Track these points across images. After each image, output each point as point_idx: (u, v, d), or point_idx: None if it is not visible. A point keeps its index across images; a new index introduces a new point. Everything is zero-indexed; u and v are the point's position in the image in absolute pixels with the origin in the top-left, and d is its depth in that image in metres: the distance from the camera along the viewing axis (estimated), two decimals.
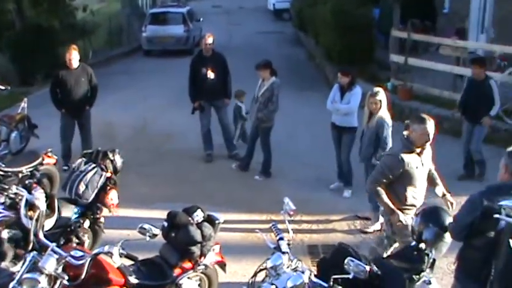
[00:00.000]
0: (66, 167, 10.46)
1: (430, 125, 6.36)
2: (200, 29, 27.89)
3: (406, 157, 6.44)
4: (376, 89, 8.75)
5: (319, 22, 20.79)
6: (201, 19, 29.84)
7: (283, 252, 5.15)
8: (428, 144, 6.57)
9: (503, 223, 4.82)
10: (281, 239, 5.28)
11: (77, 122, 11.27)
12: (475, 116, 10.70)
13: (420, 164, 6.55)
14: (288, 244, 5.26)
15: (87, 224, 7.44)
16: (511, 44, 14.67)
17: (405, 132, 6.61)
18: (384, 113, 8.67)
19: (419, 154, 6.52)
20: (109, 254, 5.08)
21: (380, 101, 8.56)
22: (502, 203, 4.73)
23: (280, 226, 5.66)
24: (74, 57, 10.88)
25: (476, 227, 5.02)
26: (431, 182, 6.90)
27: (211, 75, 11.36)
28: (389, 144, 8.63)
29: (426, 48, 19.09)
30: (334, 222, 9.24)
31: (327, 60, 19.73)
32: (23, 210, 6.08)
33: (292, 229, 5.64)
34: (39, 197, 6.02)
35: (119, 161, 7.68)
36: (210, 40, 11.44)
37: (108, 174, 7.46)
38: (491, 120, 10.90)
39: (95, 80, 11.26)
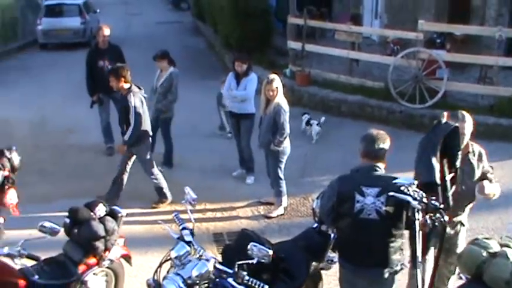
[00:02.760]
0: None
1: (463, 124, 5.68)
2: (97, 21, 27.28)
3: None
4: (272, 76, 8.86)
5: (216, 10, 20.79)
6: (98, 10, 29.28)
7: (187, 242, 5.15)
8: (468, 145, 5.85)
9: (359, 205, 5.05)
10: (184, 228, 5.28)
11: None
12: None
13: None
14: (192, 233, 5.28)
15: None
16: (403, 29, 15.22)
17: None
18: (281, 99, 8.80)
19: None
20: (9, 255, 4.98)
21: (276, 87, 8.70)
22: (396, 181, 4.93)
23: (184, 216, 5.68)
24: None
25: (336, 210, 5.21)
26: None
27: (108, 67, 11.22)
28: (287, 130, 8.79)
29: (323, 34, 19.48)
30: (238, 209, 9.35)
31: (225, 48, 19.77)
32: None
33: (196, 218, 5.68)
34: None
35: (16, 158, 7.45)
36: (106, 32, 11.29)
37: (6, 173, 7.25)
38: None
39: None
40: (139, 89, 9.28)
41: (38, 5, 31.45)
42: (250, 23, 17.42)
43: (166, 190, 9.49)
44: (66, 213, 6.14)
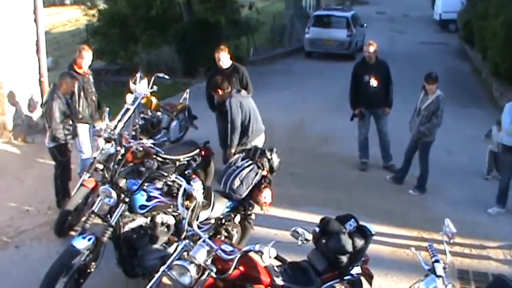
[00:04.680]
0: None
1: None
2: (363, 35, 27.66)
3: None
4: None
5: (488, 35, 19.89)
6: (365, 25, 29.57)
7: (438, 276, 4.94)
8: None
9: None
10: (437, 261, 5.07)
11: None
12: None
13: None
14: (444, 268, 5.03)
15: (237, 219, 7.50)
16: None
17: None
18: None
19: None
20: (259, 252, 5.06)
21: None
22: None
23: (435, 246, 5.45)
24: (222, 58, 10.30)
25: None
26: None
27: (374, 83, 11.16)
28: None
29: None
30: (488, 249, 8.71)
31: (493, 76, 18.87)
32: (180, 199, 6.18)
33: (442, 249, 5.39)
34: (197, 188, 6.10)
35: (276, 160, 7.67)
36: (375, 47, 11.20)
37: (264, 173, 7.47)
38: None
39: (249, 81, 10.43)
40: (239, 91, 9.43)
41: (306, 15, 32.70)
42: None
43: None
44: (312, 220, 6.16)
